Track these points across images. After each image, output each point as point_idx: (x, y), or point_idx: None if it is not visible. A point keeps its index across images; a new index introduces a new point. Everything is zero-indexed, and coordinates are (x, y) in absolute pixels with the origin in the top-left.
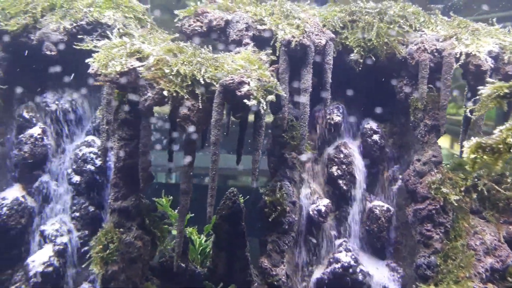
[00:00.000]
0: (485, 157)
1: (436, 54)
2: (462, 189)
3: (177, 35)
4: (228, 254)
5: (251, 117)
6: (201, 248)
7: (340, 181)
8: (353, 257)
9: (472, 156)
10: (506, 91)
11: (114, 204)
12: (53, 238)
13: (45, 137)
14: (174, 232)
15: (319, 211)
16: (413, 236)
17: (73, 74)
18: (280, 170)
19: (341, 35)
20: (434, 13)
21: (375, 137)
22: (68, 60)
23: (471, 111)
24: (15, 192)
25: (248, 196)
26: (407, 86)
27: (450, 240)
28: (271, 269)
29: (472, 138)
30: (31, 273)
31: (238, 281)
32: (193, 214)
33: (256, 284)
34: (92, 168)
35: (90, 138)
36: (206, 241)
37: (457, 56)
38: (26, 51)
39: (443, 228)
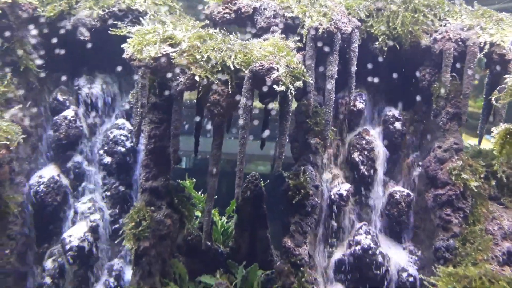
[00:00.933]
0: None
1: (460, 43)
2: (482, 175)
3: (207, 21)
4: (250, 235)
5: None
6: (223, 229)
7: (362, 167)
8: (372, 239)
9: (501, 141)
10: None
11: (145, 184)
12: (86, 215)
13: (78, 119)
14: (198, 213)
15: (340, 195)
16: (432, 220)
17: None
18: (304, 155)
19: (366, 23)
20: (458, 3)
21: (397, 124)
22: (100, 46)
23: (497, 99)
24: (50, 171)
25: (268, 181)
26: (430, 74)
27: (469, 224)
28: (294, 249)
29: (501, 125)
30: (67, 247)
31: (260, 260)
32: (215, 196)
33: (278, 263)
34: (123, 149)
35: (120, 121)
36: (227, 222)
37: (481, 45)
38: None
39: (462, 213)
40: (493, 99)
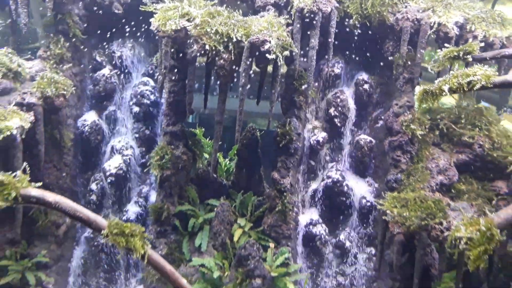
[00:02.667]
0: (428, 98)
1: (416, 22)
2: (427, 126)
3: (215, 1)
4: (247, 172)
5: (269, 68)
6: (226, 168)
7: (336, 120)
8: (341, 175)
9: (420, 97)
10: (455, 53)
11: (166, 128)
12: (120, 151)
13: (112, 77)
14: (206, 155)
15: (317, 141)
16: (387, 161)
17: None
18: (290, 110)
19: (343, 4)
20: None
21: (366, 86)
22: (130, 17)
23: (432, 68)
24: (92, 116)
25: (263, 131)
26: (392, 46)
27: (414, 163)
28: (280, 180)
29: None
30: (107, 174)
31: (255, 190)
32: (220, 142)
33: (268, 190)
34: (148, 102)
35: (145, 78)
36: (229, 163)
37: (432, 24)
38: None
39: (409, 155)
40: (429, 68)
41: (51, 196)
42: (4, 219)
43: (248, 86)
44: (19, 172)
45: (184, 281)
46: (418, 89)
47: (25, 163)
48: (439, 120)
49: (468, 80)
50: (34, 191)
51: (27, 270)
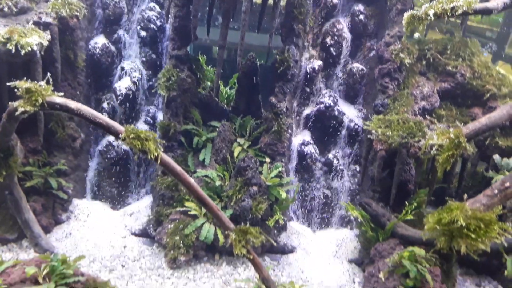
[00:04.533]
0: (414, 22)
1: None
2: (415, 56)
3: None
4: (246, 98)
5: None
6: (227, 95)
7: (332, 49)
8: (333, 100)
9: (408, 21)
10: None
11: (172, 52)
12: (129, 72)
13: (121, 1)
14: (208, 82)
15: (313, 68)
16: (376, 87)
17: None
18: (289, 38)
19: None
20: None
21: (361, 16)
22: None
23: None
24: (102, 39)
25: (262, 61)
26: None
27: (400, 89)
28: (276, 103)
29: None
30: (118, 93)
31: (253, 114)
32: (222, 70)
33: (265, 113)
34: (154, 26)
35: (152, 4)
36: (230, 91)
37: None
38: None
39: (396, 82)
40: None
41: (73, 103)
42: (26, 131)
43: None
44: (43, 83)
45: (192, 180)
46: (406, 14)
47: (48, 74)
48: (426, 50)
49: (452, 5)
50: (58, 98)
51: (49, 176)
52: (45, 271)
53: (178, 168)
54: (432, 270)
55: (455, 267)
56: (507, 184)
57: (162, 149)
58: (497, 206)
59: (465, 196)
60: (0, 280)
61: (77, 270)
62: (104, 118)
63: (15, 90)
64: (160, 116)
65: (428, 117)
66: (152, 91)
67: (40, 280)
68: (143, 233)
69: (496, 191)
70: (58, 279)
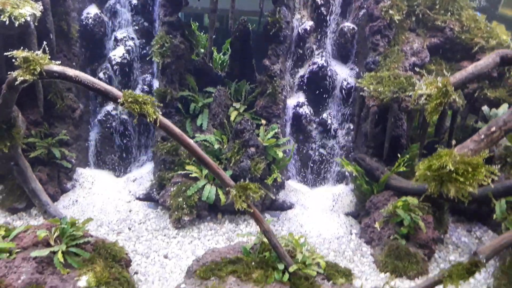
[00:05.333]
0: None
1: None
2: (404, 12)
3: None
4: (240, 63)
5: None
6: (221, 61)
7: (322, 8)
8: (326, 61)
9: None
10: None
11: (164, 19)
12: (123, 41)
13: None
14: (201, 49)
15: (305, 29)
16: (367, 46)
17: None
18: None
19: None
20: None
21: None
22: None
23: None
24: (94, 9)
25: (254, 25)
26: None
27: (390, 46)
28: (270, 66)
29: None
30: (113, 62)
31: (248, 79)
32: (215, 36)
33: (259, 76)
34: None
35: None
36: (223, 57)
37: None
38: None
39: (387, 39)
40: None
41: (71, 71)
42: (26, 103)
43: None
44: (39, 52)
45: (191, 141)
46: None
47: (44, 43)
48: (415, 7)
49: None
50: (56, 67)
51: (52, 146)
52: (55, 234)
53: (177, 130)
54: (425, 218)
55: (446, 215)
56: (493, 129)
57: (160, 113)
58: (484, 151)
59: (453, 142)
60: (14, 244)
61: (86, 233)
62: (102, 84)
63: (13, 60)
64: (156, 84)
65: (418, 69)
66: (147, 59)
67: (52, 242)
68: (147, 197)
69: (482, 136)
70: (69, 241)
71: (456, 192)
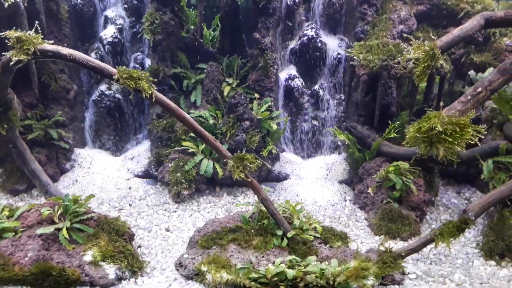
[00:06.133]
0: None
1: None
2: None
3: None
4: (230, 38)
5: None
6: (211, 37)
7: None
8: (315, 32)
9: None
10: None
11: None
12: (113, 20)
13: None
14: (191, 26)
15: (293, 1)
16: (355, 15)
17: None
18: None
19: None
20: None
21: None
22: None
23: None
24: None
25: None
26: None
27: (378, 15)
28: (260, 39)
29: None
30: (104, 42)
31: (239, 53)
32: (204, 12)
33: (250, 50)
34: None
35: None
36: (213, 32)
37: None
38: None
39: (374, 8)
40: None
41: (65, 50)
42: (20, 86)
43: None
44: (31, 32)
45: (187, 115)
46: None
47: (36, 22)
48: None
49: None
50: (49, 46)
51: (49, 128)
52: (59, 212)
53: (173, 104)
54: (416, 181)
55: (437, 178)
56: (479, 90)
57: (155, 88)
58: (471, 111)
59: (442, 104)
60: (18, 223)
61: (88, 209)
62: (96, 61)
63: (6, 41)
64: (148, 62)
65: (406, 35)
66: (138, 37)
67: (56, 219)
68: (145, 174)
69: (469, 97)
70: (72, 218)
71: (445, 152)
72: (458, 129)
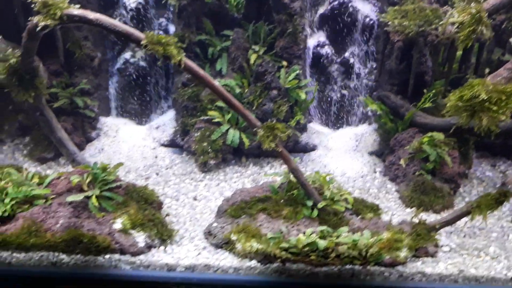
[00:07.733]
0: None
1: None
2: None
3: None
4: (257, 3)
5: None
6: (236, 2)
7: None
8: None
9: None
10: None
11: None
12: None
13: None
14: None
15: None
16: None
17: None
18: None
19: None
20: None
21: None
22: None
23: None
24: None
25: None
26: None
27: None
28: (289, 3)
29: None
30: (128, 8)
31: (265, 19)
32: None
33: (279, 15)
34: None
35: None
36: None
37: None
38: None
39: None
40: None
41: (91, 14)
42: (45, 54)
43: None
44: None
45: (216, 82)
46: None
47: None
48: None
49: None
50: (76, 10)
51: (74, 96)
52: (88, 179)
53: (202, 71)
54: (451, 153)
55: (471, 150)
56: None
57: (184, 54)
58: None
59: (487, 70)
60: (49, 191)
61: (117, 178)
62: (124, 26)
63: (32, 6)
64: (172, 29)
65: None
66: (162, 2)
67: (85, 187)
68: (171, 144)
69: None
70: (101, 186)
71: (488, 122)
72: (503, 97)
